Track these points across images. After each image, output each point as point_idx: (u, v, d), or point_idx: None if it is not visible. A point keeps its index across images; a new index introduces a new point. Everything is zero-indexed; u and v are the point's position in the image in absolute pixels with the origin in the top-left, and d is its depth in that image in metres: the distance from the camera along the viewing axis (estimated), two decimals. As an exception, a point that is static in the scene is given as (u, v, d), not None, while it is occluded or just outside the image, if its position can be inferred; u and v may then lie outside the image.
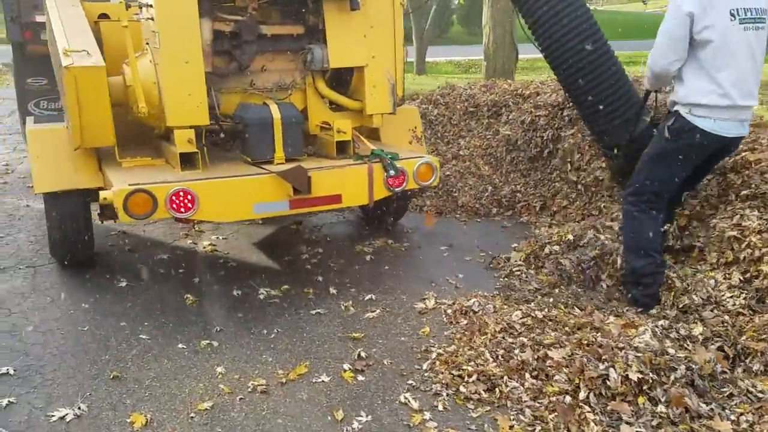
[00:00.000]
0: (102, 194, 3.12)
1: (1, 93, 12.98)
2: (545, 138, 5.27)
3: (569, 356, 2.67)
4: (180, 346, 3.13)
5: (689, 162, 3.28)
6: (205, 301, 3.66)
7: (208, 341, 3.18)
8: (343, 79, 4.11)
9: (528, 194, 5.29)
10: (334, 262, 4.23)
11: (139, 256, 4.32)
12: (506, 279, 3.90)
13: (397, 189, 3.75)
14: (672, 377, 2.44)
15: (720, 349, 2.75)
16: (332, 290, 3.78)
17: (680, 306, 3.14)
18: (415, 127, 4.64)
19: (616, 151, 4.08)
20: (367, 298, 3.67)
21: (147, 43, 3.67)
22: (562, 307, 3.26)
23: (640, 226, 3.39)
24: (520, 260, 4.07)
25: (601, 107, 4.02)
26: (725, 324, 2.91)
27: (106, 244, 4.49)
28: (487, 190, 5.43)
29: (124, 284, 3.83)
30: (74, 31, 3.64)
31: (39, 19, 6.27)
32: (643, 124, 3.99)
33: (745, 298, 2.99)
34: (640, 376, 2.42)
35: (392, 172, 3.67)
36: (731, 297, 3.04)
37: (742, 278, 3.09)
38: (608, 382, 2.45)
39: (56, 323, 3.35)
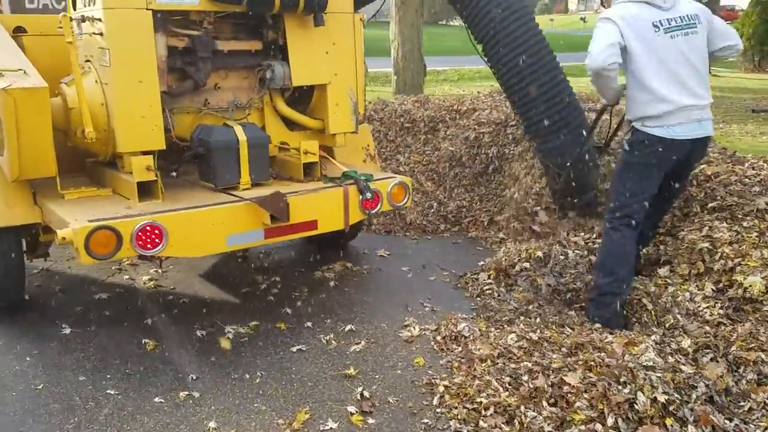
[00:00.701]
0: (60, 233, 2.71)
1: None
2: (490, 155, 5.31)
3: (584, 380, 2.64)
4: (157, 400, 2.78)
5: (657, 171, 3.32)
6: (168, 345, 3.29)
7: (186, 392, 2.84)
8: (301, 98, 3.90)
9: (474, 210, 5.30)
10: (297, 291, 3.98)
11: (75, 297, 3.83)
12: (480, 299, 3.85)
13: (372, 212, 3.59)
14: (693, 395, 2.48)
15: (713, 360, 2.84)
16: (307, 323, 3.54)
17: (662, 319, 3.22)
18: (368, 145, 4.51)
19: (557, 169, 4.23)
20: (347, 329, 3.46)
21: (87, 61, 3.26)
22: (554, 327, 3.25)
23: (611, 244, 3.42)
24: (489, 279, 4.04)
25: (546, 122, 4.16)
26: (708, 335, 3.02)
27: (31, 284, 3.94)
28: (432, 206, 5.39)
29: (68, 331, 3.37)
30: (1, 48, 3.17)
31: None
32: (589, 146, 4.19)
33: (721, 308, 3.13)
34: (667, 397, 2.43)
35: (368, 195, 3.51)
36: (707, 308, 3.16)
37: (714, 289, 3.23)
38: (636, 406, 2.44)
39: (4, 382, 2.88)
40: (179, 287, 4.03)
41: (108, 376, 2.96)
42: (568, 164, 4.13)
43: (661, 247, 3.62)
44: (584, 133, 4.18)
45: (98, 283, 4.05)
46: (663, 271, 3.47)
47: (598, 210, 4.34)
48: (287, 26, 3.53)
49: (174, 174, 3.52)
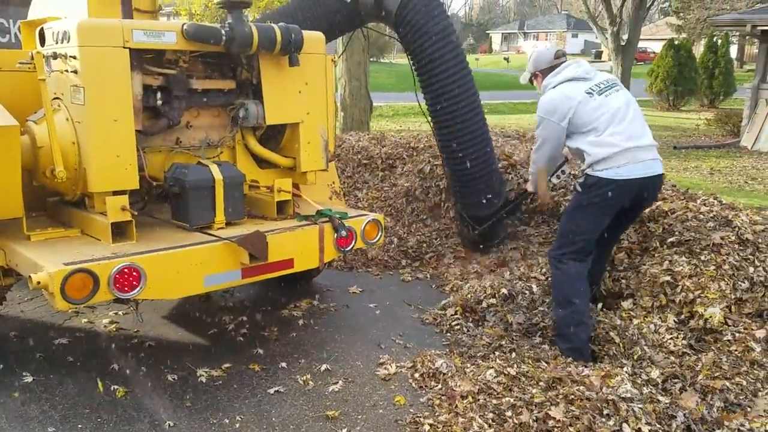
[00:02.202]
0: (34, 278, 2.58)
1: None
2: (442, 187, 5.45)
3: (568, 414, 2.73)
4: (136, 452, 2.67)
5: (607, 211, 3.48)
6: (139, 390, 3.17)
7: (166, 441, 2.74)
8: (271, 136, 3.89)
9: (434, 244, 5.40)
10: (267, 331, 3.92)
11: (33, 344, 3.62)
12: (450, 335, 3.90)
13: (346, 249, 3.60)
14: (674, 425, 2.60)
15: (683, 389, 3.00)
16: (281, 363, 3.49)
17: (630, 351, 3.37)
18: (334, 182, 4.53)
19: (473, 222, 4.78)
20: (322, 369, 3.44)
21: (57, 98, 3.16)
22: (530, 361, 3.34)
23: (563, 277, 3.54)
24: (456, 315, 4.11)
25: (467, 184, 4.71)
26: (674, 365, 3.19)
27: (-19, 331, 3.72)
28: (393, 242, 5.45)
29: (30, 379, 3.19)
30: None
31: None
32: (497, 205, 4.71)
33: (685, 338, 3.31)
34: (650, 428, 2.54)
35: (343, 233, 3.53)
36: (671, 338, 3.35)
37: (676, 320, 3.42)
38: (622, 437, 2.54)
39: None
40: (143, 330, 3.89)
41: (79, 426, 2.82)
42: (482, 220, 4.70)
43: (623, 281, 3.81)
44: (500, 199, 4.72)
45: (56, 328, 3.85)
46: (627, 304, 3.64)
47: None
48: (262, 66, 3.54)
49: (136, 213, 3.41)
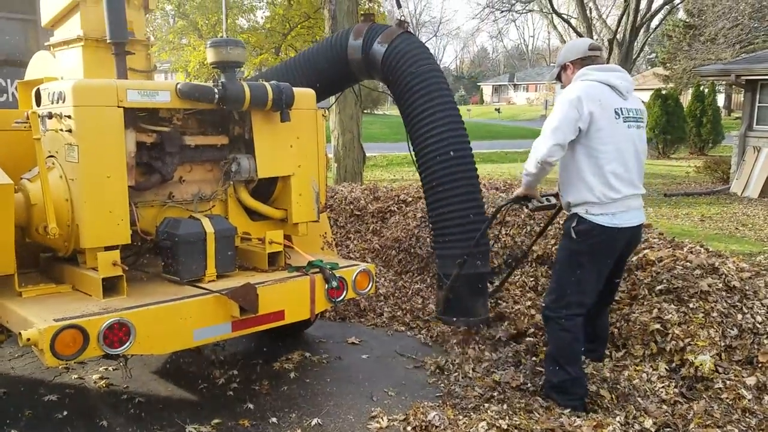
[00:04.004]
0: (24, 334, 2.59)
1: None
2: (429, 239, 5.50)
3: (561, 465, 2.70)
4: None
5: (604, 260, 3.33)
6: (127, 449, 3.12)
7: (154, 501, 2.69)
8: (263, 188, 3.96)
9: (426, 297, 5.40)
10: (257, 384, 3.88)
11: (23, 400, 3.58)
12: (444, 386, 3.88)
13: (338, 300, 3.62)
14: (666, 475, 2.58)
15: (675, 438, 2.98)
16: (272, 419, 3.45)
17: (622, 401, 3.35)
18: (326, 233, 4.58)
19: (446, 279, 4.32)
20: (313, 423, 3.40)
21: (51, 156, 3.23)
22: (522, 413, 3.31)
23: (559, 341, 3.40)
24: (451, 364, 4.09)
25: (450, 231, 4.32)
26: (667, 414, 3.17)
27: (-31, 389, 3.68)
28: (384, 292, 5.44)
29: (17, 439, 3.14)
30: None
31: None
32: (481, 267, 4.29)
33: (676, 386, 3.30)
34: (643, 478, 2.52)
35: (334, 284, 3.55)
36: (663, 387, 3.34)
37: (668, 368, 3.42)
38: (616, 489, 2.51)
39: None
40: (132, 385, 3.85)
41: (66, 487, 2.76)
42: (455, 276, 4.21)
43: (615, 330, 3.81)
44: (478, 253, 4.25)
45: (46, 384, 3.81)
46: (619, 354, 3.64)
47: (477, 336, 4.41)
48: (254, 122, 3.64)
49: (127, 267, 3.43)
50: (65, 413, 3.45)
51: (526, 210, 4.13)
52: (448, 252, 4.33)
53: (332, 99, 9.90)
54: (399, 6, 5.53)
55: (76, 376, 3.96)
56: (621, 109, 3.29)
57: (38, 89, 3.34)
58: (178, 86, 3.31)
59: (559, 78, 3.60)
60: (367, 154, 13.62)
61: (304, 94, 3.87)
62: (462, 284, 4.21)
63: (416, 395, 3.74)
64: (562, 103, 3.27)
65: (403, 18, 4.68)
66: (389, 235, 5.97)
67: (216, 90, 3.35)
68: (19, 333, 2.63)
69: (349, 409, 3.59)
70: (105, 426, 3.33)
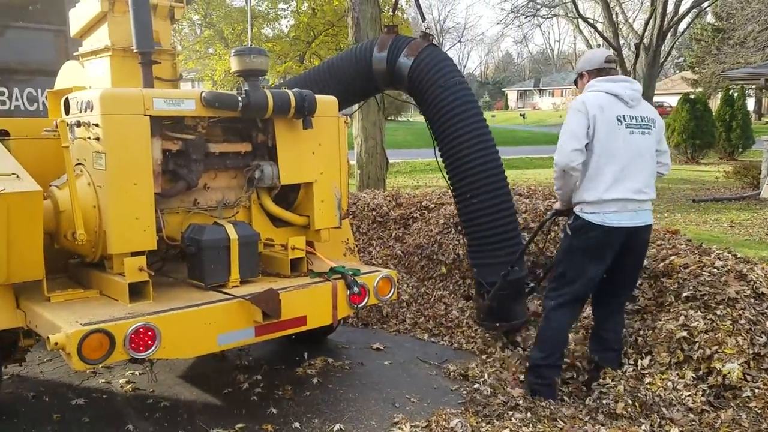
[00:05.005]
0: (52, 338, 2.64)
1: None
2: (453, 246, 5.48)
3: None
4: None
5: (598, 256, 3.48)
6: (153, 452, 3.17)
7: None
8: (286, 195, 3.99)
9: (448, 303, 5.38)
10: (281, 389, 3.90)
11: (51, 404, 3.65)
12: (467, 392, 3.86)
13: (359, 306, 3.63)
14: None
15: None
16: (295, 423, 3.47)
17: (647, 409, 3.30)
18: (348, 239, 4.60)
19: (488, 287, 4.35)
20: (336, 429, 3.41)
21: (79, 164, 3.30)
22: (546, 421, 3.28)
23: (551, 326, 3.65)
24: (473, 372, 4.07)
25: (488, 240, 4.35)
26: (693, 423, 3.11)
27: (2, 392, 3.74)
28: (406, 299, 5.44)
29: (46, 442, 3.20)
30: None
31: None
32: (520, 273, 4.33)
33: (703, 395, 3.24)
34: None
35: (356, 290, 3.56)
36: (689, 395, 3.28)
37: (694, 376, 3.35)
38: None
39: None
40: (158, 390, 3.90)
41: (94, 488, 2.81)
42: (498, 285, 4.25)
43: (639, 339, 3.76)
44: (517, 259, 4.26)
45: (74, 388, 3.88)
46: (645, 361, 3.58)
47: (519, 338, 4.50)
48: (277, 129, 3.68)
49: (153, 273, 3.49)
50: (92, 417, 3.52)
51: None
52: (486, 261, 4.38)
53: (355, 106, 9.97)
54: (423, 18, 5.54)
55: (103, 380, 4.03)
56: (624, 116, 3.46)
57: (67, 98, 3.42)
58: (203, 95, 3.37)
59: (576, 84, 3.85)
60: (391, 161, 13.70)
61: (327, 102, 3.91)
62: (505, 291, 4.28)
63: (439, 402, 3.73)
64: (571, 111, 3.51)
65: (428, 30, 4.68)
66: (412, 241, 5.97)
67: (240, 98, 3.40)
68: (48, 337, 2.69)
69: (371, 414, 3.59)
70: (131, 430, 3.38)
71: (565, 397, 3.65)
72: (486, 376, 4.01)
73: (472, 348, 4.57)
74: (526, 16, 26.68)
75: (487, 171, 4.28)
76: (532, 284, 4.60)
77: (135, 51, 3.62)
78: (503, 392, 3.75)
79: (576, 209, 3.53)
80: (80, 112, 3.26)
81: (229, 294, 3.22)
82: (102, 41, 3.80)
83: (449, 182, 4.52)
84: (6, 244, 2.85)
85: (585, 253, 3.50)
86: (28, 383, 3.95)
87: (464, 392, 3.87)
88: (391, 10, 10.09)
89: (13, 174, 2.96)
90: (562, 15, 26.95)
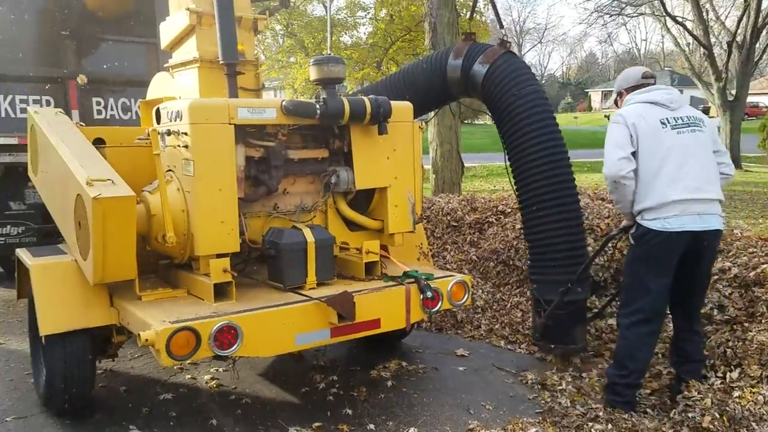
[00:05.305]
0: (143, 335, 2.82)
1: None
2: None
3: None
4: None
5: (663, 265, 3.38)
6: (234, 447, 3.30)
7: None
8: (361, 199, 4.06)
9: (525, 310, 5.29)
10: (355, 391, 3.96)
11: (140, 398, 3.87)
12: (544, 401, 3.78)
13: (433, 310, 3.65)
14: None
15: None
16: (369, 425, 3.51)
17: (736, 424, 3.13)
18: (422, 244, 4.63)
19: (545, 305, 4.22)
20: (410, 432, 3.43)
21: (170, 170, 3.50)
22: (626, 433, 3.17)
23: (625, 343, 3.52)
24: (555, 379, 3.99)
25: (550, 256, 4.22)
26: (789, 441, 2.92)
27: (96, 385, 4.00)
28: (481, 304, 5.39)
29: (136, 433, 3.40)
30: (88, 158, 3.42)
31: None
32: (581, 294, 4.18)
33: (799, 411, 3.04)
34: None
35: (429, 294, 3.57)
36: (783, 411, 3.08)
37: (789, 391, 3.15)
38: None
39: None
40: (240, 387, 4.06)
41: (179, 478, 2.96)
42: (556, 303, 4.12)
43: (728, 350, 3.57)
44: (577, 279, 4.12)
45: (162, 383, 4.10)
46: (734, 374, 3.39)
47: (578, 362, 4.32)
48: (353, 135, 3.76)
49: (236, 274, 3.63)
50: (179, 411, 3.70)
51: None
52: (548, 278, 4.25)
53: (434, 113, 9.98)
54: (501, 26, 5.50)
55: (189, 377, 4.23)
56: (667, 118, 3.42)
57: (158, 108, 3.63)
58: (284, 103, 3.49)
59: (616, 104, 3.83)
60: (467, 165, 13.62)
61: (402, 107, 3.95)
62: (563, 311, 4.13)
63: (515, 410, 3.69)
64: (611, 126, 3.52)
65: (505, 37, 4.64)
66: (487, 246, 5.91)
67: (317, 106, 3.50)
68: (138, 334, 2.87)
69: (445, 420, 3.59)
70: (214, 425, 3.53)
71: (648, 410, 3.52)
72: (565, 386, 3.92)
73: (551, 357, 4.47)
74: (611, 15, 25.80)
75: (555, 184, 4.19)
76: (597, 309, 4.48)
77: (221, 62, 3.80)
78: (583, 403, 3.66)
79: (637, 218, 3.46)
80: (170, 121, 3.45)
81: (306, 296, 3.31)
82: (190, 53, 4.01)
83: (516, 192, 4.45)
84: (102, 246, 3.05)
85: (648, 263, 3.42)
86: (120, 378, 4.20)
87: (542, 401, 3.80)
88: (468, 14, 10.04)
89: (109, 180, 3.17)
90: (648, 13, 25.85)
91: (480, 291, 5.57)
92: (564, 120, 44.52)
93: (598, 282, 4.85)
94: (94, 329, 3.40)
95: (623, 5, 24.30)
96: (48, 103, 6.19)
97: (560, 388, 3.90)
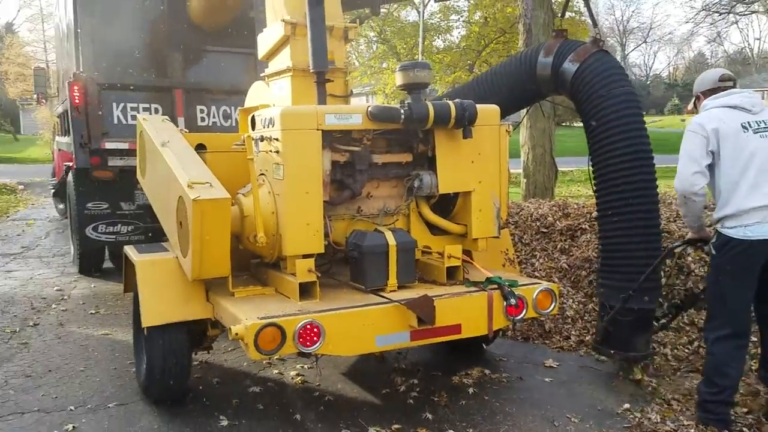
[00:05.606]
0: (233, 329, 2.98)
1: (28, 213, 13.12)
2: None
3: None
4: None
5: (746, 275, 3.28)
6: (316, 442, 3.40)
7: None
8: (444, 203, 4.07)
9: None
10: (436, 396, 3.97)
11: (231, 390, 4.07)
12: (632, 417, 3.63)
13: (516, 318, 3.59)
14: None
15: None
16: (449, 431, 3.51)
17: None
18: (507, 250, 4.56)
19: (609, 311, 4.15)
20: (490, 440, 3.40)
21: (262, 174, 3.66)
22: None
23: (712, 359, 3.41)
24: (646, 393, 3.82)
25: (621, 263, 4.14)
26: None
27: (191, 376, 4.25)
28: (571, 314, 5.24)
29: (225, 423, 3.58)
30: (189, 162, 3.65)
31: (108, 145, 6.44)
32: (648, 303, 4.06)
33: None
34: None
35: (513, 301, 3.53)
36: None
37: None
38: None
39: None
40: (324, 384, 4.17)
41: (262, 470, 3.09)
42: (618, 308, 4.05)
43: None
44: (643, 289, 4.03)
45: (251, 377, 4.29)
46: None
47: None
48: (437, 139, 3.77)
49: (320, 274, 3.73)
50: (265, 405, 3.85)
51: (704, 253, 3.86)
52: (615, 284, 4.18)
53: (523, 113, 9.81)
54: (595, 24, 5.35)
55: (276, 372, 4.40)
56: (749, 122, 3.33)
57: (253, 115, 3.82)
58: (369, 109, 3.56)
59: (695, 106, 3.73)
60: (563, 169, 13.24)
61: (488, 111, 3.92)
62: (626, 318, 4.07)
63: (602, 424, 3.57)
64: (686, 135, 3.42)
65: (598, 35, 4.50)
66: (579, 254, 5.73)
67: (402, 111, 3.55)
68: (229, 328, 3.03)
69: (528, 431, 3.52)
70: (298, 419, 3.66)
71: (744, 429, 3.30)
72: (656, 401, 3.75)
73: (647, 371, 4.28)
74: (720, 14, 24.25)
75: (634, 192, 4.08)
76: (664, 320, 4.34)
77: (311, 71, 3.93)
78: (674, 419, 3.48)
79: (717, 226, 3.37)
80: (264, 127, 3.62)
81: (387, 298, 3.36)
82: (284, 63, 4.18)
83: (596, 195, 4.36)
84: (199, 244, 3.25)
85: (730, 273, 3.33)
86: (214, 370, 4.44)
87: (631, 416, 3.65)
88: (561, 13, 9.78)
89: (207, 183, 3.38)
90: (761, 11, 24.09)
91: (570, 300, 5.41)
92: (670, 122, 42.17)
93: (671, 293, 4.70)
94: (191, 322, 3.62)
95: (734, 3, 22.79)
96: (156, 111, 6.65)
97: (651, 403, 3.72)
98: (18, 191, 16.84)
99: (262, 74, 4.61)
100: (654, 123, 39.32)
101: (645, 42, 64.53)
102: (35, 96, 12.52)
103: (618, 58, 56.55)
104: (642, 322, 4.13)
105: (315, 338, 3.07)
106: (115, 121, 6.56)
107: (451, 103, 3.66)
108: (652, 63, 76.67)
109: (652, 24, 74.52)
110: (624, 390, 3.99)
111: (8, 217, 12.52)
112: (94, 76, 6.43)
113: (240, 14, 6.89)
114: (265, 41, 4.45)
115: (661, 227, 4.36)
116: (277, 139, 3.41)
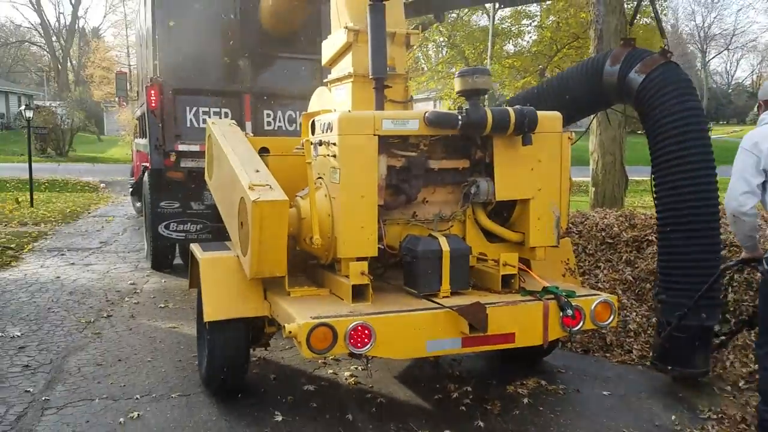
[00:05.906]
0: (287, 327, 3.07)
1: (108, 210, 13.83)
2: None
3: None
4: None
5: None
6: (366, 443, 3.44)
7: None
8: (501, 210, 4.02)
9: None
10: (489, 404, 3.93)
11: (287, 387, 4.18)
12: (693, 436, 3.49)
13: (573, 329, 3.51)
14: None
15: None
16: (500, 439, 3.48)
17: None
18: (568, 259, 4.46)
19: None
20: (541, 451, 3.34)
21: (319, 178, 3.75)
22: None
23: (765, 371, 3.30)
24: (707, 410, 3.66)
25: (679, 279, 4.10)
26: None
27: (250, 371, 4.39)
28: (634, 328, 5.06)
29: (279, 419, 3.68)
30: (252, 165, 3.78)
31: (181, 147, 6.73)
32: (708, 321, 4.00)
33: None
34: None
35: (569, 312, 3.45)
36: None
37: None
38: None
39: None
40: (376, 386, 4.21)
41: (314, 464, 3.15)
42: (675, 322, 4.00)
43: None
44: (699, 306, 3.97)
45: (307, 375, 4.39)
46: None
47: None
48: (495, 146, 3.74)
49: (372, 277, 3.75)
50: (319, 403, 3.93)
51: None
52: (673, 300, 4.13)
53: (592, 121, 9.55)
54: (663, 36, 5.20)
55: (330, 371, 4.47)
56: None
57: (314, 120, 3.91)
58: (426, 115, 3.58)
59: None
60: (638, 178, 12.79)
61: (549, 118, 3.85)
62: (683, 335, 4.02)
63: (659, 442, 3.44)
64: (739, 151, 3.34)
65: (667, 46, 4.39)
66: (644, 266, 5.53)
67: (459, 117, 3.54)
68: (284, 326, 3.12)
69: (581, 444, 3.45)
70: (350, 419, 3.71)
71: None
72: (719, 419, 3.58)
73: (708, 388, 4.10)
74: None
75: (694, 208, 4.04)
76: (723, 337, 4.23)
77: (370, 77, 3.99)
78: (738, 443, 3.32)
79: None
80: (322, 132, 3.70)
81: (439, 303, 3.36)
82: (346, 69, 4.26)
83: (657, 209, 4.31)
84: (258, 243, 3.36)
85: None
86: (271, 366, 4.56)
87: (689, 435, 3.51)
88: (630, 21, 9.49)
89: (267, 185, 3.49)
90: None
91: (634, 314, 5.23)
92: (746, 134, 39.94)
93: (738, 309, 4.58)
94: (249, 319, 3.74)
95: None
96: (226, 115, 6.91)
97: (713, 421, 3.56)
98: (100, 189, 17.84)
99: (324, 80, 4.71)
100: (734, 133, 37.39)
101: (727, 49, 61.43)
102: (117, 99, 13.24)
103: (698, 65, 54.25)
104: (700, 338, 4.07)
105: (366, 340, 3.11)
106: (188, 125, 6.85)
107: (510, 109, 3.63)
108: (735, 71, 72.84)
109: (735, 30, 70.64)
110: (683, 406, 3.83)
111: (89, 213, 13.28)
112: (169, 81, 6.74)
113: (307, 21, 7.05)
114: (328, 48, 4.55)
115: (728, 242, 4.22)
116: (334, 144, 3.48)
